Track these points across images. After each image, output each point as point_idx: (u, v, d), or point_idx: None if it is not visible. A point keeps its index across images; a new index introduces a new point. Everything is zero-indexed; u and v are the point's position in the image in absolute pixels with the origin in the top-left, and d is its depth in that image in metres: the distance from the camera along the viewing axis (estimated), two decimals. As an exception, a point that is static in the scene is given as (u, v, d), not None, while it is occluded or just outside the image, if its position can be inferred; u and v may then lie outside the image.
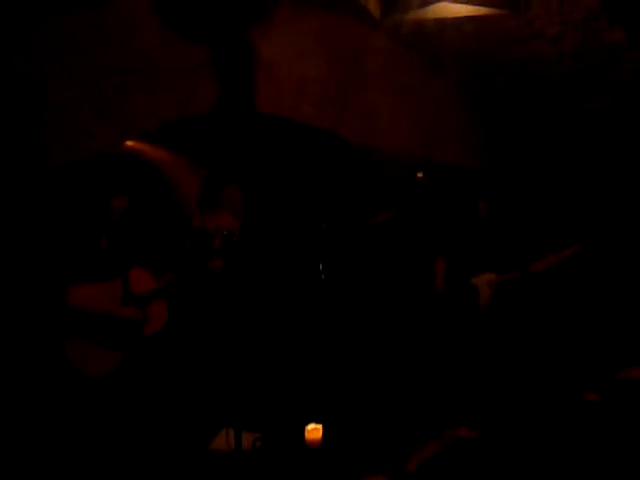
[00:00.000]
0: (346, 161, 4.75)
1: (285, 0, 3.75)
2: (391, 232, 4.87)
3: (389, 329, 4.55)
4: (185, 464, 3.30)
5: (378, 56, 4.19)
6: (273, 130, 4.30)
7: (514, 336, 4.14)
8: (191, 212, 4.22)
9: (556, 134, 4.78)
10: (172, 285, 3.47)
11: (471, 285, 4.33)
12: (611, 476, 2.71)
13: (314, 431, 3.38)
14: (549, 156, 4.88)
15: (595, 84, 4.17)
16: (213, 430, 3.45)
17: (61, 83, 3.30)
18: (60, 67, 3.30)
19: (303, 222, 4.30)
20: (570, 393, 3.40)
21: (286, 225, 4.12)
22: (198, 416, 3.59)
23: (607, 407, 3.15)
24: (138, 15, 3.44)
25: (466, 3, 3.51)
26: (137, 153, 4.42)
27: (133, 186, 3.58)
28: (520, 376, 3.91)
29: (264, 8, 3.58)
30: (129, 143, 4.18)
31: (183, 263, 3.70)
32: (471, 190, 4.72)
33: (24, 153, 3.22)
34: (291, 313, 4.36)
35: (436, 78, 4.57)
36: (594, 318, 4.38)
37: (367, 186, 5.02)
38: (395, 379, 4.17)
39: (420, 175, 5.08)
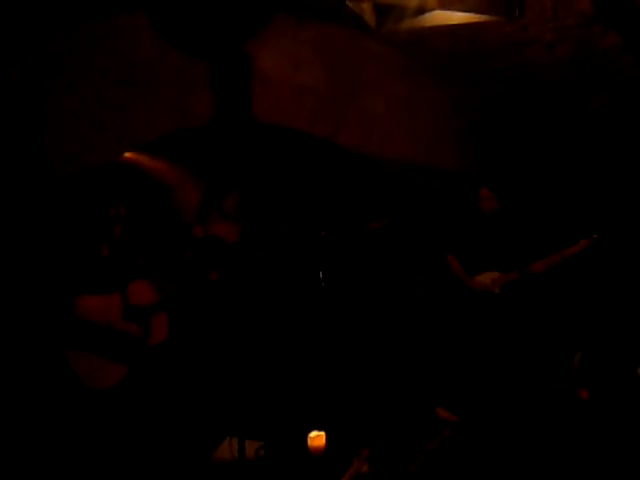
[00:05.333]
0: (344, 168, 4.77)
1: (281, 11, 3.77)
2: (391, 238, 4.88)
3: (389, 335, 4.57)
4: (189, 474, 3.32)
5: (374, 65, 4.21)
6: (271, 139, 4.32)
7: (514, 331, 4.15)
8: (191, 222, 4.25)
9: (555, 135, 4.77)
10: (171, 287, 3.49)
11: None
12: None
13: (317, 438, 3.39)
14: (549, 157, 4.87)
15: (592, 88, 4.17)
16: (217, 439, 3.47)
17: (60, 97, 3.33)
18: (59, 81, 3.32)
19: (303, 229, 4.31)
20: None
21: (286, 233, 4.13)
22: (201, 426, 3.62)
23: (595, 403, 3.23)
24: (136, 29, 3.47)
25: (461, 10, 3.52)
26: (136, 164, 4.45)
27: (132, 196, 3.60)
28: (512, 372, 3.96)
29: (260, 20, 3.61)
30: (128, 154, 4.21)
31: (185, 273, 3.73)
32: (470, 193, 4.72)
33: (25, 166, 3.24)
34: (292, 321, 4.39)
35: (432, 85, 4.58)
36: (592, 316, 4.42)
37: (366, 191, 5.03)
38: (396, 385, 4.19)
39: (419, 180, 5.09)
